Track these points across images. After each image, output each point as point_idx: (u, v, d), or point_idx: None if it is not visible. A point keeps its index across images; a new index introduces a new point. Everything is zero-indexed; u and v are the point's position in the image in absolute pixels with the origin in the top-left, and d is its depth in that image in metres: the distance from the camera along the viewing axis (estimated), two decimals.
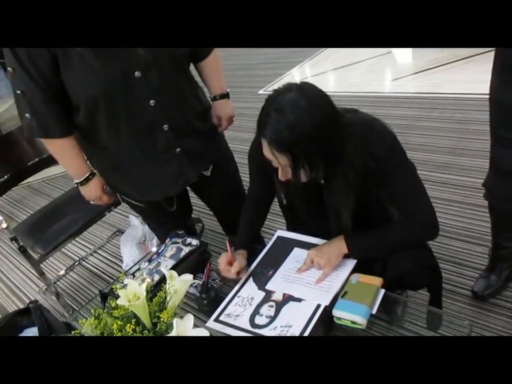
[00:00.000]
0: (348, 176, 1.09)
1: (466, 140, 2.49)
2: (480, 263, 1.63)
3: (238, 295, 1.26)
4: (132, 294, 0.92)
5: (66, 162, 1.44)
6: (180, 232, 1.56)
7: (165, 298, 0.99)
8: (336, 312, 1.09)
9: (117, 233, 2.63)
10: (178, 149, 1.40)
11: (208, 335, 0.91)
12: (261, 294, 1.23)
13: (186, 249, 1.42)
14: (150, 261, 1.49)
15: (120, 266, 2.29)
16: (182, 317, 0.95)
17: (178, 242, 1.48)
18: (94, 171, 1.48)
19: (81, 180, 1.45)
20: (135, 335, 0.91)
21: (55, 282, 2.32)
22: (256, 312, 1.18)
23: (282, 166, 1.07)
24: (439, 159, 2.39)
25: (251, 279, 1.30)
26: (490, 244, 1.54)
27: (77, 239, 2.59)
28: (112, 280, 2.25)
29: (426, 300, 1.37)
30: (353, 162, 1.08)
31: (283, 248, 1.36)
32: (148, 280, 1.36)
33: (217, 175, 1.56)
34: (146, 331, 0.92)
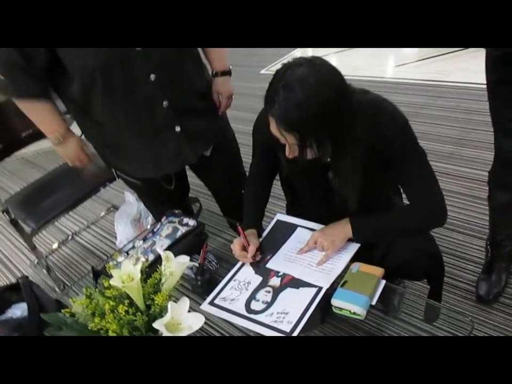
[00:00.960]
0: (356, 157, 1.05)
1: (471, 131, 2.44)
2: (480, 257, 1.61)
3: (234, 278, 1.23)
4: (126, 274, 0.88)
5: (39, 119, 1.38)
6: (176, 212, 1.52)
7: (160, 280, 0.95)
8: (335, 302, 1.06)
9: (112, 209, 2.58)
10: (177, 128, 1.35)
11: (203, 320, 0.88)
12: (258, 279, 1.20)
13: (182, 230, 1.38)
14: (144, 239, 1.45)
15: (114, 243, 2.26)
16: (176, 299, 0.92)
17: (174, 222, 1.44)
18: (71, 130, 1.43)
19: (58, 137, 1.39)
20: (127, 317, 0.87)
21: (47, 256, 2.28)
22: (252, 297, 1.15)
23: (289, 144, 1.03)
24: (442, 149, 2.35)
25: (248, 262, 1.27)
26: (488, 244, 1.51)
27: (70, 213, 2.55)
28: (105, 257, 2.22)
29: (424, 291, 1.35)
30: (363, 143, 1.04)
31: (284, 231, 1.32)
32: (142, 259, 1.32)
33: (217, 155, 1.52)
34: (139, 313, 0.88)
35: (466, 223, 1.79)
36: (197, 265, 1.32)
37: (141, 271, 0.91)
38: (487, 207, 1.47)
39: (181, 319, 0.88)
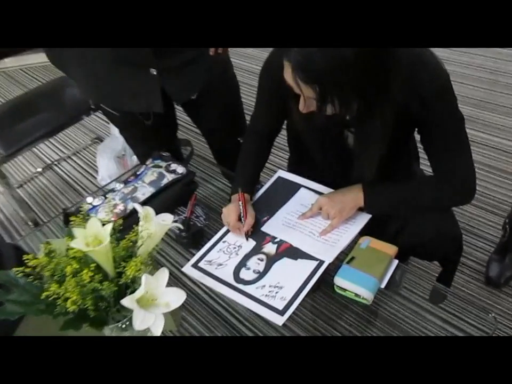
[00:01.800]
0: (387, 120, 0.87)
1: (495, 94, 2.23)
2: (494, 235, 1.48)
3: (224, 239, 1.07)
4: (93, 236, 0.71)
5: None
6: (164, 155, 1.33)
7: (136, 242, 0.79)
8: (338, 281, 0.92)
9: (96, 140, 2.37)
10: (155, 70, 1.16)
11: (184, 297, 0.73)
12: (251, 243, 1.05)
13: (169, 177, 1.21)
14: (126, 183, 1.28)
15: (95, 178, 2.08)
16: (158, 262, 0.76)
17: (161, 167, 1.26)
18: None
19: None
20: (93, 284, 0.72)
21: (21, 186, 2.10)
22: (242, 264, 1.00)
23: (305, 97, 0.83)
24: (461, 111, 2.14)
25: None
26: (506, 223, 1.36)
27: (51, 140, 2.34)
28: (86, 193, 2.05)
29: (429, 266, 1.22)
30: (396, 103, 0.85)
31: (285, 190, 1.15)
32: (120, 208, 1.16)
33: (212, 93, 1.31)
34: (107, 282, 0.72)
35: (482, 195, 1.63)
36: (183, 218, 1.17)
37: (113, 229, 0.75)
38: (506, 181, 1.31)
39: (157, 294, 0.73)
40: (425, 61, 0.88)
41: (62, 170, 2.26)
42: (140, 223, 0.81)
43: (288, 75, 0.82)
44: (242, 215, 1.05)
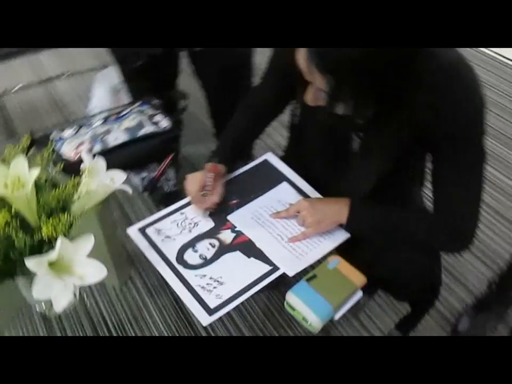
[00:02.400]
0: (402, 133, 0.75)
1: None
2: (477, 287, 1.35)
3: (183, 211, 0.96)
4: (15, 177, 0.60)
5: None
6: (154, 102, 1.20)
7: (72, 195, 0.68)
8: (290, 297, 0.82)
9: (101, 66, 2.22)
10: None
11: (105, 274, 0.63)
12: (209, 224, 0.93)
13: (149, 128, 1.09)
14: (105, 121, 1.16)
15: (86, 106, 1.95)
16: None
17: (144, 115, 1.13)
18: None
19: None
20: (5, 231, 0.61)
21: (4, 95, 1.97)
22: (191, 243, 0.89)
23: (316, 87, 0.71)
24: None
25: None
26: (494, 284, 1.24)
27: (53, 50, 2.19)
28: (73, 117, 1.92)
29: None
30: (416, 117, 0.73)
31: (266, 177, 1.03)
32: (82, 148, 1.04)
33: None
34: (22, 233, 0.62)
35: (480, 241, 1.50)
36: (150, 178, 1.06)
37: (46, 181, 0.64)
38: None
39: (73, 263, 0.62)
40: (462, 77, 0.75)
41: (56, 88, 2.12)
42: (83, 175, 0.70)
43: (301, 56, 0.69)
44: (207, 188, 0.92)
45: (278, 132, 1.71)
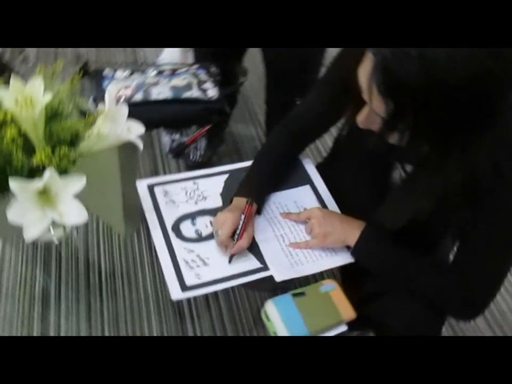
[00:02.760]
0: (454, 176, 0.66)
1: None
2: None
3: (196, 181, 0.93)
4: (28, 96, 0.59)
5: None
6: (211, 70, 1.17)
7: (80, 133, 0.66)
8: (269, 307, 0.76)
9: None
10: None
11: (83, 220, 0.61)
12: (217, 201, 0.90)
13: (195, 93, 1.06)
14: (158, 73, 1.14)
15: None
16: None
17: (196, 78, 1.10)
18: None
19: None
20: (9, 146, 0.61)
21: None
22: (192, 216, 0.86)
23: (370, 109, 0.63)
24: None
25: (226, 177, 0.95)
26: None
27: None
28: (142, 60, 1.93)
29: None
30: (476, 165, 0.65)
31: (292, 175, 0.96)
32: (126, 93, 1.03)
33: None
34: (24, 155, 0.61)
35: (493, 311, 1.38)
36: (180, 142, 1.03)
37: (50, 107, 0.62)
38: None
39: (58, 198, 0.61)
40: None
41: None
42: (101, 116, 0.68)
43: (364, 72, 0.61)
44: (238, 232, 0.80)
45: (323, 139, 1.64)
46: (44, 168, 0.63)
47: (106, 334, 0.99)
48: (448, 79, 0.54)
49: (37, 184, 0.57)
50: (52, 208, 0.60)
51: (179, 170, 1.35)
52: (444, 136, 0.61)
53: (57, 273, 1.10)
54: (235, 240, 0.80)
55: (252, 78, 1.52)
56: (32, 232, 0.58)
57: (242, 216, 0.80)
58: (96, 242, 1.19)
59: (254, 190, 0.86)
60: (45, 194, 0.60)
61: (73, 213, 0.60)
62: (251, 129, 1.62)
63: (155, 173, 1.40)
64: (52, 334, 0.98)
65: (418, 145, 0.65)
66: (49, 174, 0.57)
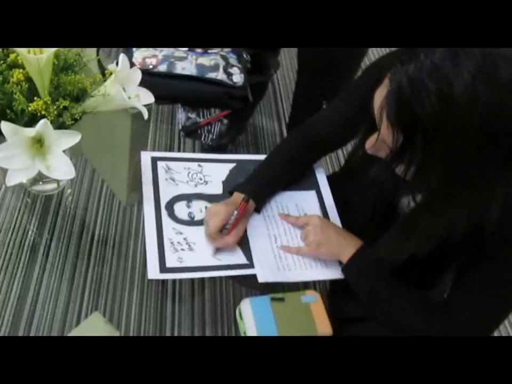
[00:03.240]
0: (459, 217, 0.62)
1: None
2: None
3: (201, 164, 0.91)
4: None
5: None
6: (243, 55, 1.15)
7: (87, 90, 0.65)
8: (245, 305, 0.74)
9: None
10: None
11: (72, 175, 0.59)
12: (218, 188, 0.88)
13: (219, 75, 1.03)
14: (190, 49, 1.13)
15: None
16: None
17: (224, 61, 1.08)
18: None
19: None
20: (12, 87, 0.60)
21: None
22: (188, 198, 0.85)
23: (380, 136, 0.59)
24: None
25: (232, 166, 0.93)
26: None
27: None
28: None
29: None
30: (484, 210, 0.60)
31: (304, 180, 0.94)
32: (149, 61, 1.01)
33: None
34: (25, 100, 0.60)
35: None
36: (196, 121, 1.01)
37: (74, 58, 0.61)
38: None
39: (49, 151, 0.59)
40: None
41: None
42: (111, 77, 0.66)
43: (379, 95, 0.57)
44: (227, 227, 0.78)
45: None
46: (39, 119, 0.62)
47: (86, 297, 0.98)
48: (465, 119, 0.50)
49: (29, 130, 0.56)
50: (41, 159, 0.59)
51: (193, 151, 1.34)
52: (454, 176, 0.57)
53: (51, 229, 1.09)
54: (223, 235, 0.78)
55: (287, 74, 1.50)
56: (15, 178, 0.57)
57: (235, 212, 0.77)
58: (96, 206, 1.18)
59: (256, 188, 0.83)
60: (38, 145, 0.59)
61: (61, 168, 0.58)
62: (275, 125, 1.59)
63: (169, 148, 1.39)
64: (32, 286, 0.98)
65: (425, 180, 0.61)
66: (43, 123, 0.55)
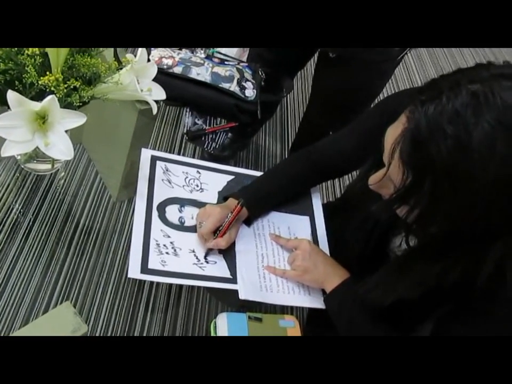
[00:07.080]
0: (454, 271, 0.60)
1: None
2: None
3: (200, 171, 0.90)
4: None
5: None
6: (258, 73, 1.15)
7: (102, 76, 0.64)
8: (221, 320, 0.72)
9: None
10: None
11: (67, 158, 0.58)
12: (213, 197, 0.86)
13: (232, 86, 1.03)
14: (207, 57, 1.13)
15: None
16: None
17: (239, 74, 1.08)
18: None
19: None
20: (25, 59, 0.58)
21: None
22: (181, 202, 0.83)
23: (387, 173, 0.58)
24: None
25: (231, 178, 0.92)
26: None
27: None
28: None
29: None
30: (480, 263, 0.58)
31: (298, 202, 0.93)
32: (165, 61, 1.01)
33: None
34: (36, 74, 0.58)
35: None
36: (201, 128, 1.01)
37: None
38: None
39: (52, 128, 0.58)
40: None
41: None
42: (127, 66, 0.65)
43: (392, 132, 0.56)
44: (220, 229, 0.77)
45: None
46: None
47: (58, 286, 0.95)
48: (479, 169, 0.49)
49: (35, 104, 0.55)
50: (41, 136, 0.57)
51: (193, 157, 1.33)
52: (457, 226, 0.55)
53: (36, 210, 1.06)
54: (215, 236, 0.77)
55: (298, 98, 1.50)
56: (11, 150, 0.55)
57: (229, 215, 0.76)
58: (85, 195, 1.16)
59: (251, 197, 0.82)
60: (40, 121, 0.58)
61: (60, 148, 0.57)
62: (277, 146, 1.60)
63: (169, 150, 1.38)
64: (6, 266, 0.95)
65: (425, 226, 0.59)
66: (51, 98, 0.54)
